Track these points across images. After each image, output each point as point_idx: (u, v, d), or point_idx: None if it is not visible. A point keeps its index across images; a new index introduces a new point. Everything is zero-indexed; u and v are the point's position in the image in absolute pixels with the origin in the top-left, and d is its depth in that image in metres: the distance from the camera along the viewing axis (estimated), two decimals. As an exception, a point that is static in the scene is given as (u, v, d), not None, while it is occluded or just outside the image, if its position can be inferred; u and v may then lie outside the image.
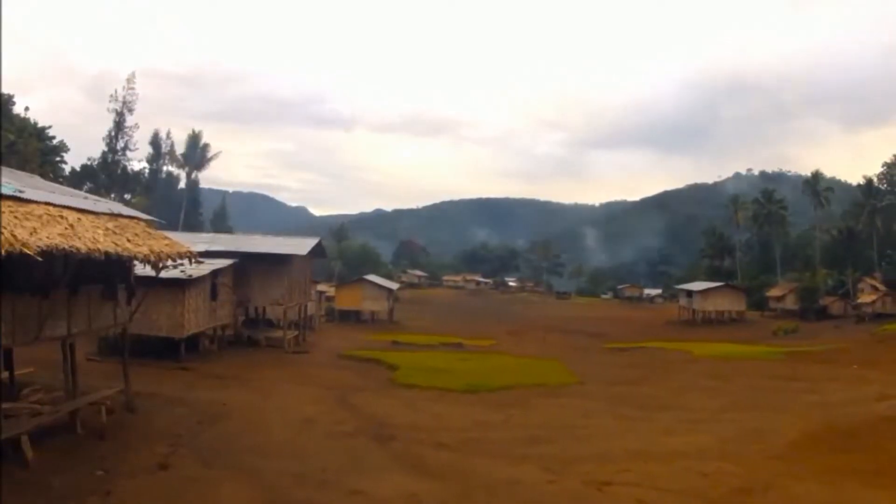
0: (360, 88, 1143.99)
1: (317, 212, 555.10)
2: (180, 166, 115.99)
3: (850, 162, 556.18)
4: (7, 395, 16.09)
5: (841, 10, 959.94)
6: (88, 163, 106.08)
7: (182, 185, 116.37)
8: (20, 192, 14.31)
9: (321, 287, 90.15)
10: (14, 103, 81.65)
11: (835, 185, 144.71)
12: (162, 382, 26.25)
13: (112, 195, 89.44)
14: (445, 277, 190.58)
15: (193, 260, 20.23)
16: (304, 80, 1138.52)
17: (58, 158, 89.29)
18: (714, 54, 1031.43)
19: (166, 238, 20.07)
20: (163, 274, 19.76)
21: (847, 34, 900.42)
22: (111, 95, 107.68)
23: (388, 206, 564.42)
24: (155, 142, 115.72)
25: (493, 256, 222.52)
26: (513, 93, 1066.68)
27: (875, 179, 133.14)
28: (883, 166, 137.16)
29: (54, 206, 15.14)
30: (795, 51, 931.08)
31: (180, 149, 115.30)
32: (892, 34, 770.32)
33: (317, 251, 55.26)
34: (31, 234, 12.80)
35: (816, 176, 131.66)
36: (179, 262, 19.19)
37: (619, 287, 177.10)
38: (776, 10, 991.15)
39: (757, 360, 47.55)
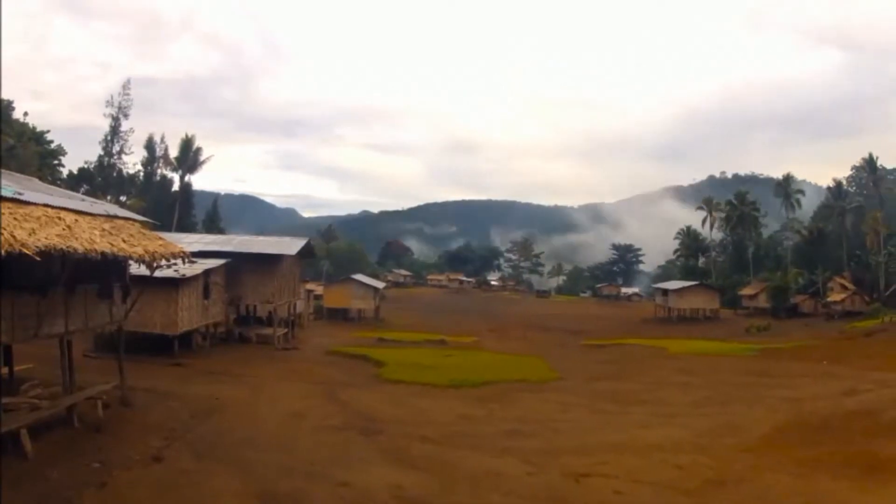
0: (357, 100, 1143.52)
1: (305, 213, 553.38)
2: (174, 169, 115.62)
3: (810, 167, 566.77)
4: (7, 390, 16.05)
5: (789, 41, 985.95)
6: (85, 166, 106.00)
7: (175, 187, 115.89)
8: (19, 194, 14.29)
9: (310, 286, 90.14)
10: (13, 109, 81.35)
11: (805, 188, 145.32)
12: (156, 378, 26.19)
13: (108, 197, 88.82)
14: (430, 276, 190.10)
15: (186, 260, 20.20)
16: (301, 94, 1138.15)
17: (56, 162, 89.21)
18: (690, 77, 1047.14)
19: (160, 238, 20.03)
20: (157, 273, 19.77)
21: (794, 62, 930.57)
22: (107, 101, 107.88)
23: (375, 208, 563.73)
24: (149, 146, 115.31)
25: (475, 256, 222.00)
26: (503, 110, 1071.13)
27: (844, 182, 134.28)
28: (852, 170, 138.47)
29: (52, 207, 15.11)
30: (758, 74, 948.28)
31: (174, 152, 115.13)
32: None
33: (305, 251, 55.32)
34: (29, 234, 12.80)
35: (788, 179, 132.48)
36: (173, 261, 19.16)
37: (598, 286, 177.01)
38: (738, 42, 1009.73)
39: (730, 357, 47.80)
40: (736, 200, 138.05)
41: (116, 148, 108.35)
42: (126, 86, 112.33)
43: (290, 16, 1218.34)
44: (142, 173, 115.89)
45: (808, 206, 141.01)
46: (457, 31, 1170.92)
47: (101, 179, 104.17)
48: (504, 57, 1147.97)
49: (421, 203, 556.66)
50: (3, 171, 16.17)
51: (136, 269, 19.72)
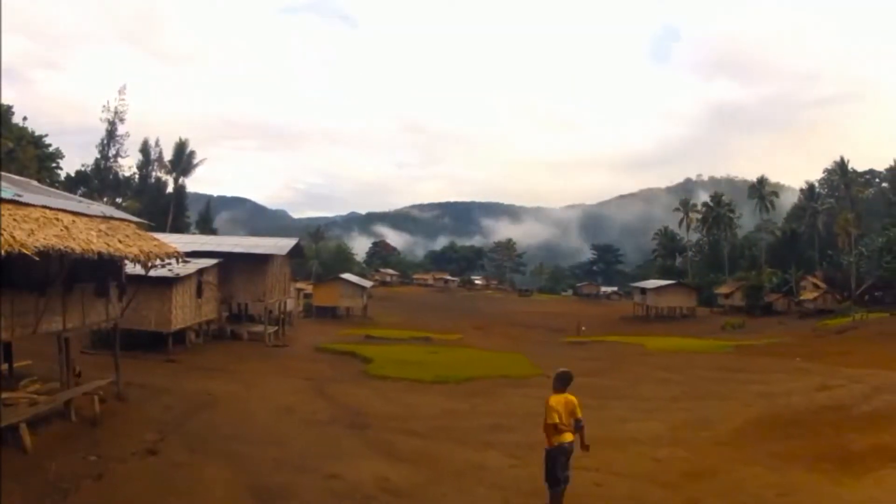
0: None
1: (295, 214, 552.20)
2: (168, 172, 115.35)
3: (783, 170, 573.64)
4: (6, 386, 16.03)
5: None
6: (82, 169, 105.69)
7: (170, 189, 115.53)
8: (18, 196, 14.26)
9: (300, 285, 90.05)
10: (13, 113, 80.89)
11: (778, 189, 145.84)
12: (151, 374, 26.17)
13: (104, 199, 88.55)
14: (416, 276, 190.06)
15: (180, 259, 20.22)
16: (297, 96, 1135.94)
17: (54, 164, 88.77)
18: (669, 90, 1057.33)
19: (155, 239, 20.03)
20: (152, 272, 19.72)
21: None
22: (104, 106, 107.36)
23: (362, 210, 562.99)
24: (144, 149, 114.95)
25: (459, 256, 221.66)
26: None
27: (816, 184, 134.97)
28: (824, 172, 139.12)
29: (50, 209, 15.09)
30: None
31: (168, 156, 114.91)
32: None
33: (295, 251, 55.25)
34: (28, 235, 12.81)
35: (762, 181, 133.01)
36: (167, 261, 19.16)
37: (578, 285, 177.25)
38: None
39: (706, 354, 48.02)
40: (712, 202, 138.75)
41: (112, 151, 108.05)
42: (122, 91, 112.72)
43: (289, 23, 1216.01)
44: (137, 176, 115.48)
45: (782, 207, 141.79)
46: (456, 41, 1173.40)
47: (97, 182, 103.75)
48: (496, 69, 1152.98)
49: (409, 204, 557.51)
50: (2, 173, 16.16)
51: (132, 268, 19.67)
